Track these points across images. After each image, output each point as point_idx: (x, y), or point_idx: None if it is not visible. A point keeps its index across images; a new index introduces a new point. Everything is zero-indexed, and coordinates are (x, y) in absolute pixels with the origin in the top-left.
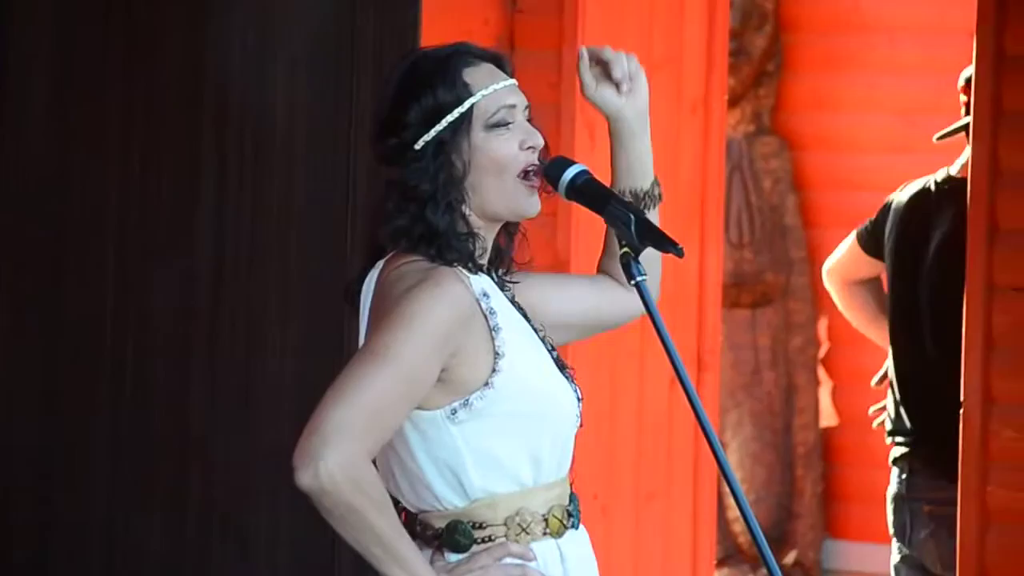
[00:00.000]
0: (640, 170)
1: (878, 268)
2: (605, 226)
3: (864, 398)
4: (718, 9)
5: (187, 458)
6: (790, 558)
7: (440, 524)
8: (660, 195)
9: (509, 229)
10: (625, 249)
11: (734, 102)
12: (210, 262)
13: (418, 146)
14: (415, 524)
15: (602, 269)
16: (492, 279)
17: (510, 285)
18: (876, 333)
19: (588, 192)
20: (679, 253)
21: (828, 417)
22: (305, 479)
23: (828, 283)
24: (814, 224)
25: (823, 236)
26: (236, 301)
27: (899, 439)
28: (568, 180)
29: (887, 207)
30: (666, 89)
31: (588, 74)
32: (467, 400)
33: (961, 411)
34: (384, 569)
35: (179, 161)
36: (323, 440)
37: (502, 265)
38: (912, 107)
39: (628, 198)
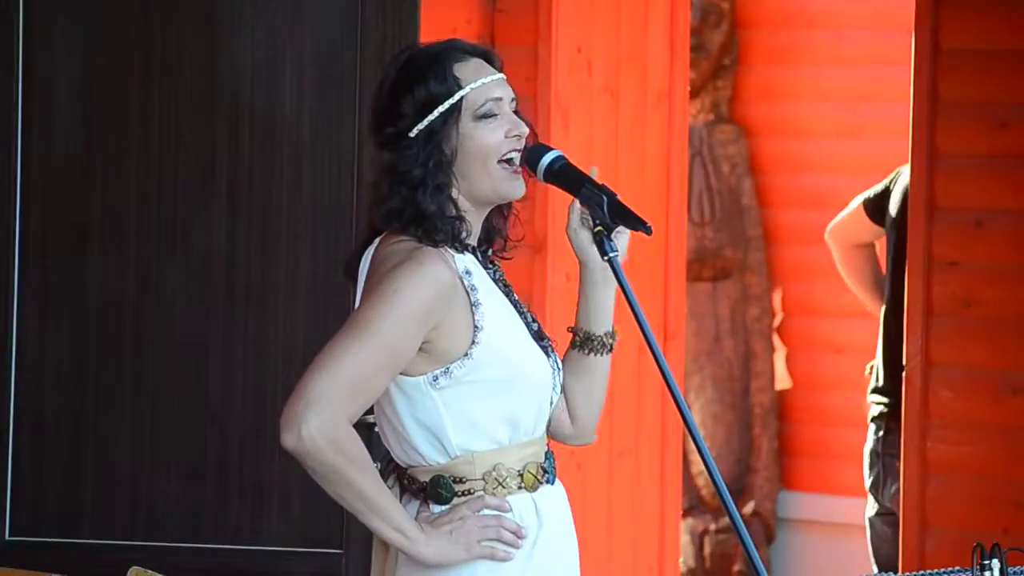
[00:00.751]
0: (596, 317)
1: (877, 234)
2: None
3: (814, 363)
4: (679, 8)
5: (204, 421)
6: (748, 508)
7: (425, 478)
8: (612, 345)
9: (503, 210)
10: (599, 227)
11: (695, 93)
12: (225, 245)
13: (412, 134)
14: (404, 478)
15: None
16: (477, 258)
17: (499, 264)
18: (866, 295)
19: (564, 175)
20: (648, 231)
21: (782, 380)
22: (289, 441)
23: (830, 242)
24: (768, 204)
25: (777, 215)
26: (250, 280)
27: (878, 398)
28: (546, 165)
29: (895, 178)
30: (633, 82)
31: (576, 216)
32: (447, 368)
33: (904, 373)
34: (365, 520)
35: (194, 153)
36: (306, 406)
37: (497, 243)
38: (856, 96)
39: (579, 338)
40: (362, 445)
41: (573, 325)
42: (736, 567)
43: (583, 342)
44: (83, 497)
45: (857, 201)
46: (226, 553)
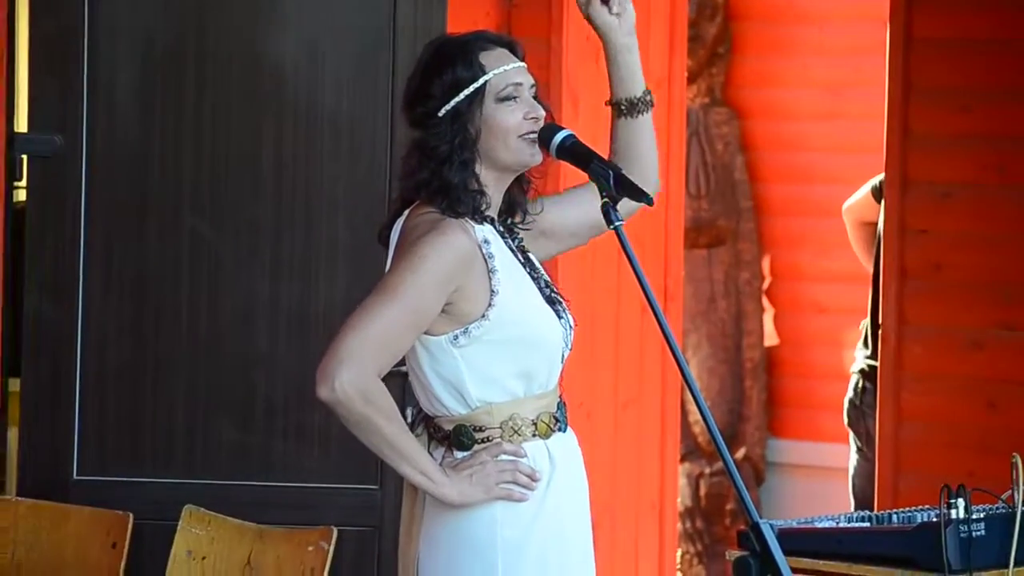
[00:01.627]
0: (631, 80)
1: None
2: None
3: (800, 322)
4: (678, 3)
5: (253, 371)
6: (740, 454)
7: (448, 427)
8: (652, 101)
9: (522, 184)
10: (605, 199)
11: (692, 79)
12: (271, 216)
13: (440, 114)
14: (431, 427)
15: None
16: (496, 228)
17: (520, 233)
18: (869, 264)
19: (575, 152)
20: (650, 202)
21: (770, 338)
22: (323, 393)
23: (845, 218)
24: (759, 179)
25: (766, 189)
26: (294, 247)
27: (863, 353)
28: (558, 142)
29: None
30: None
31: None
32: (467, 329)
33: (880, 331)
34: (394, 465)
35: (242, 133)
36: (339, 362)
37: (517, 213)
38: (838, 82)
39: (624, 106)
40: (390, 397)
41: (610, 99)
42: (728, 506)
43: (628, 108)
44: (143, 440)
45: (867, 186)
46: (272, 490)
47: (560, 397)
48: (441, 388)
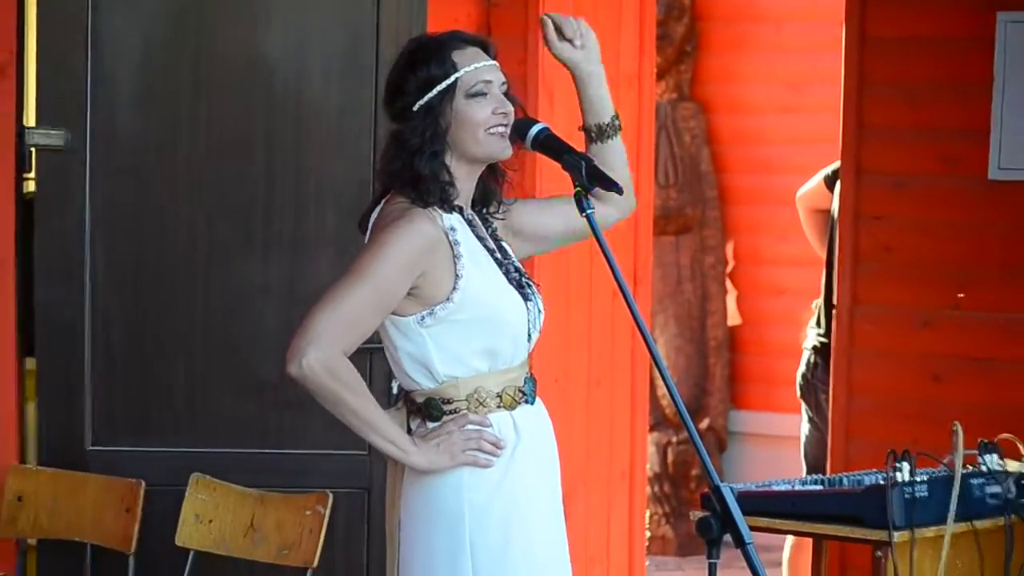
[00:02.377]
0: (600, 108)
1: (832, 202)
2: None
3: (761, 303)
4: (646, 4)
5: (248, 346)
6: (704, 424)
7: (420, 400)
8: (619, 126)
9: (497, 176)
10: (578, 188)
11: (660, 76)
12: (263, 205)
13: (414, 109)
14: (407, 400)
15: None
16: (464, 217)
17: (493, 221)
18: (820, 248)
19: (549, 144)
20: (619, 191)
21: (733, 318)
22: (292, 370)
23: (798, 205)
24: (723, 170)
25: (730, 179)
26: (283, 232)
27: (816, 331)
28: (533, 135)
29: None
30: (608, 65)
31: (552, 34)
32: (432, 310)
33: (834, 311)
34: (363, 435)
35: (237, 123)
36: (307, 341)
37: (493, 205)
38: (797, 79)
39: (594, 132)
40: (356, 372)
41: (581, 126)
42: (694, 472)
43: (598, 134)
44: (150, 412)
45: (819, 176)
46: (270, 457)
47: (529, 373)
48: (411, 365)
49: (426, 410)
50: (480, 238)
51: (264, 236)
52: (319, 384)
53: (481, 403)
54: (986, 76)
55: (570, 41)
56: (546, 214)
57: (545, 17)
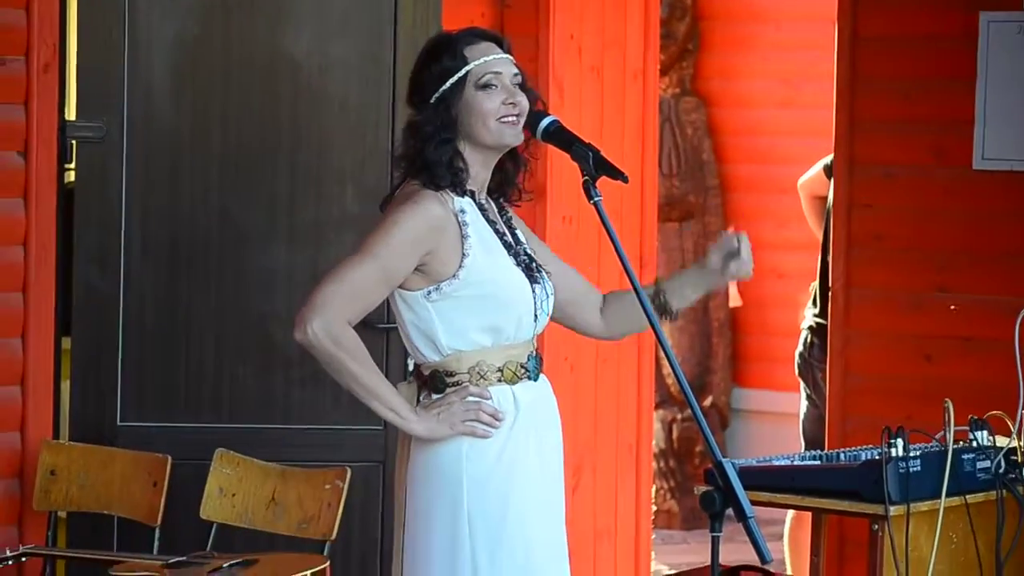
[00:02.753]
0: (681, 298)
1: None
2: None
3: (761, 286)
4: (651, 4)
5: (273, 327)
6: (707, 402)
7: (427, 372)
8: (672, 316)
9: (517, 165)
10: (586, 178)
11: (664, 72)
12: (287, 192)
13: (431, 100)
14: (416, 373)
15: (606, 298)
16: (476, 201)
17: (508, 209)
18: (820, 233)
19: (559, 135)
20: (625, 180)
21: (735, 300)
22: (298, 335)
23: (800, 193)
24: (724, 160)
25: (731, 169)
26: (307, 217)
27: (812, 312)
28: (544, 127)
29: None
30: (615, 62)
31: (717, 256)
32: (439, 286)
33: (830, 293)
34: (365, 402)
35: (263, 115)
36: (311, 309)
37: (513, 193)
38: (793, 75)
39: (662, 301)
40: (359, 341)
41: (661, 279)
42: (697, 448)
43: (659, 306)
44: (177, 390)
45: (820, 164)
46: (291, 432)
47: (536, 351)
48: (418, 338)
49: (431, 382)
50: (490, 222)
51: (288, 222)
52: (322, 349)
53: (482, 376)
54: (970, 72)
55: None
56: (557, 264)
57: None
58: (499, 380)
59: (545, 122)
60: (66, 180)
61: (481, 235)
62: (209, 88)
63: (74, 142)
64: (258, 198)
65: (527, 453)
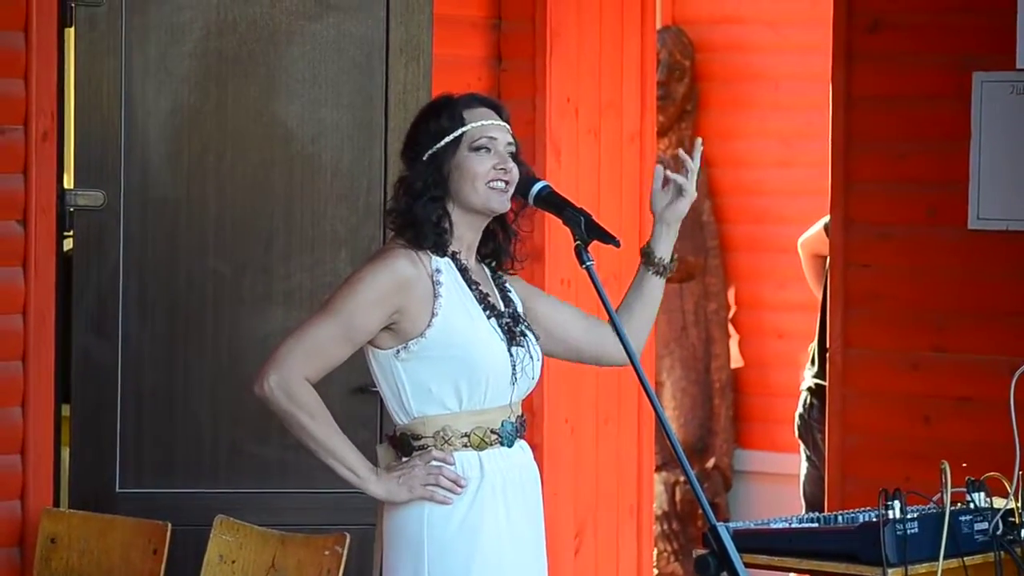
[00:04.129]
0: (667, 247)
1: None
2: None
3: (762, 346)
4: (647, 66)
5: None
6: (710, 463)
7: (396, 434)
8: (669, 270)
9: (507, 231)
10: (578, 243)
11: (663, 133)
12: (282, 257)
13: (424, 158)
14: (389, 435)
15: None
16: (456, 263)
17: (503, 275)
18: (818, 294)
19: (550, 201)
20: (617, 244)
21: (736, 361)
22: (256, 389)
23: (800, 251)
24: (723, 221)
25: (731, 230)
26: (302, 281)
27: (810, 372)
28: (535, 192)
29: None
30: (612, 124)
31: (658, 183)
32: (407, 344)
33: (827, 354)
34: (323, 460)
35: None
36: (271, 364)
37: (502, 258)
38: (791, 134)
39: (658, 262)
40: (317, 399)
41: (644, 247)
42: (700, 510)
43: (658, 269)
44: (176, 456)
45: (820, 223)
46: (288, 496)
47: (516, 417)
48: (390, 398)
49: (400, 444)
50: (472, 283)
51: (284, 287)
52: (277, 404)
53: (447, 441)
54: (964, 132)
55: (678, 188)
56: (561, 311)
57: (659, 167)
58: (464, 446)
59: (537, 187)
60: (65, 248)
61: (455, 296)
62: (204, 156)
63: (72, 210)
64: (253, 264)
65: (494, 519)
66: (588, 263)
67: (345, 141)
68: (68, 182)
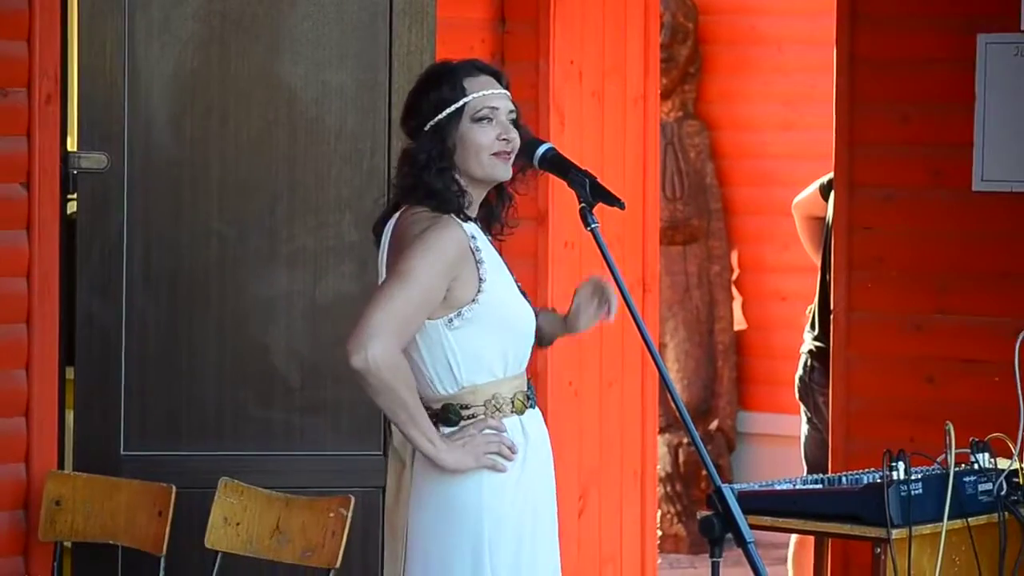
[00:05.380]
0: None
1: (826, 210)
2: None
3: (765, 309)
4: (651, 28)
5: (273, 354)
6: (713, 425)
7: (436, 406)
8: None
9: (503, 200)
10: (583, 204)
11: (666, 96)
12: (286, 220)
13: (426, 128)
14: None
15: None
16: (478, 226)
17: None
18: (815, 254)
19: (555, 162)
20: (621, 206)
21: (739, 323)
22: (357, 362)
23: (794, 212)
24: (726, 183)
25: (734, 192)
26: (306, 245)
27: (810, 335)
28: (540, 153)
29: None
30: (616, 88)
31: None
32: (460, 312)
33: (832, 316)
34: (405, 430)
35: (261, 149)
36: (369, 336)
37: (495, 227)
38: (794, 98)
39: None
40: (410, 370)
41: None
42: (704, 472)
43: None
44: (180, 418)
45: (815, 184)
46: (293, 459)
47: (527, 378)
48: (434, 370)
49: (443, 415)
50: (494, 246)
51: (288, 248)
52: (381, 376)
53: (498, 408)
54: (969, 94)
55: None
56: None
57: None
58: (512, 411)
59: (542, 149)
60: (68, 211)
61: (492, 259)
62: (208, 118)
63: (75, 173)
64: (257, 226)
65: (536, 484)
66: (593, 225)
67: (349, 103)
68: (71, 145)
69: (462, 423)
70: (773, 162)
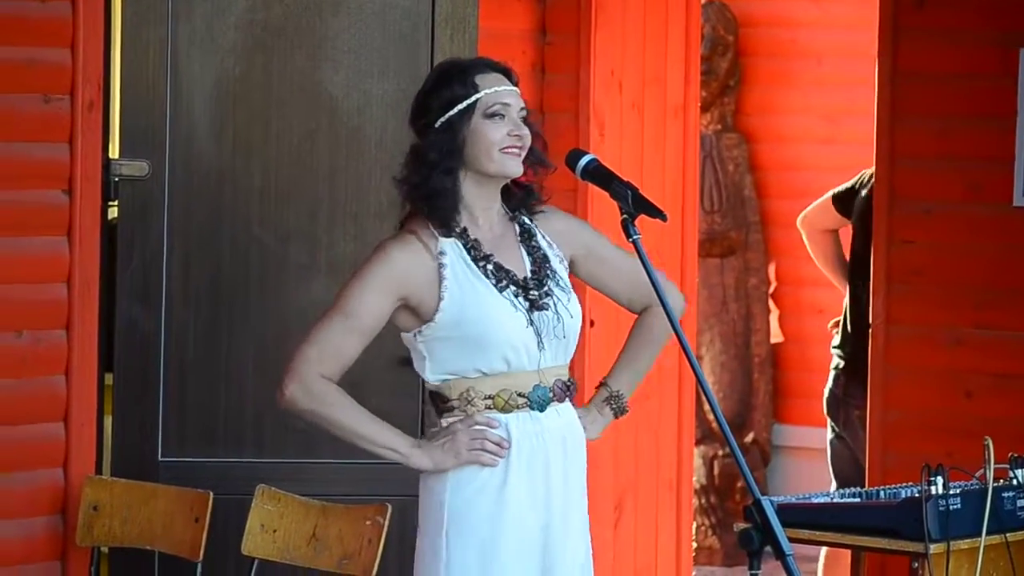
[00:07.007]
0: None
1: (841, 223)
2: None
3: (802, 322)
4: (692, 40)
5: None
6: (749, 438)
7: (429, 390)
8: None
9: (525, 187)
10: (624, 215)
11: (706, 108)
12: (326, 228)
13: (436, 126)
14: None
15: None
16: (462, 242)
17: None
18: (829, 270)
19: (597, 174)
20: (663, 218)
21: (776, 336)
22: (279, 402)
23: (800, 228)
24: (765, 196)
25: (772, 205)
26: (346, 253)
27: (839, 352)
28: (583, 165)
29: (860, 179)
30: (656, 99)
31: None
32: (421, 329)
33: (871, 330)
34: (368, 449)
35: (301, 158)
36: (287, 374)
37: (524, 204)
38: (834, 111)
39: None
40: (339, 392)
41: (607, 382)
42: (739, 484)
43: (609, 400)
44: (218, 425)
45: (827, 196)
46: (330, 467)
47: (552, 381)
48: (418, 363)
49: (432, 400)
50: (479, 259)
51: (328, 256)
52: (300, 410)
53: (470, 402)
54: (1010, 108)
55: None
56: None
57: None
58: (488, 407)
59: (584, 160)
60: (109, 217)
61: (463, 277)
62: (249, 126)
63: (117, 180)
64: (297, 234)
65: (518, 481)
66: (635, 236)
67: (389, 112)
68: (113, 152)
69: (444, 415)
70: (811, 175)
